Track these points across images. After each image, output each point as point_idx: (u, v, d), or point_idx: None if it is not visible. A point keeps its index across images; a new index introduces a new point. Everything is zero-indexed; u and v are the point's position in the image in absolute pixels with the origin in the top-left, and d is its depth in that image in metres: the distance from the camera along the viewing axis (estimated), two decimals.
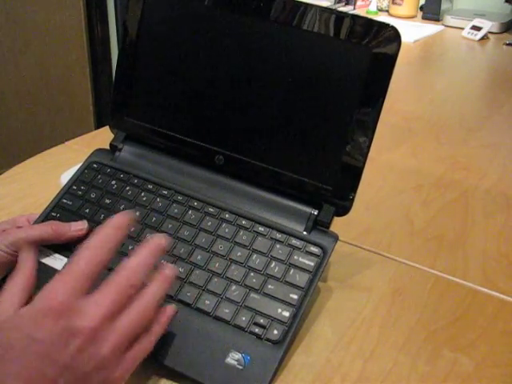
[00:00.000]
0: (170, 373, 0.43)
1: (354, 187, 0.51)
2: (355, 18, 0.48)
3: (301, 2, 0.51)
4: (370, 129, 0.49)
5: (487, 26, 1.60)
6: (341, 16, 0.49)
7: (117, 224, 0.40)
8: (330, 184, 0.51)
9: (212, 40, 0.54)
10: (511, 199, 0.74)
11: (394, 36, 0.47)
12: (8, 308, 0.38)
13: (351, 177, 0.51)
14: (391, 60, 0.48)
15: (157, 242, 0.42)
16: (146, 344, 0.40)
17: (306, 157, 0.52)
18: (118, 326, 0.37)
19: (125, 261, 0.40)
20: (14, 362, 0.34)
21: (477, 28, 1.61)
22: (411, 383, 0.45)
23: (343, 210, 0.52)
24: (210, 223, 0.52)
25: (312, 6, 0.50)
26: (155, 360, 0.43)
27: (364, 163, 0.50)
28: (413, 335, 0.50)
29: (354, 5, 1.92)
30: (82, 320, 0.36)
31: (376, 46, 0.48)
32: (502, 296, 0.55)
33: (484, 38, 1.60)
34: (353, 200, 0.51)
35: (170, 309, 0.43)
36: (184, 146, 0.57)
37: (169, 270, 0.42)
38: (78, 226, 0.51)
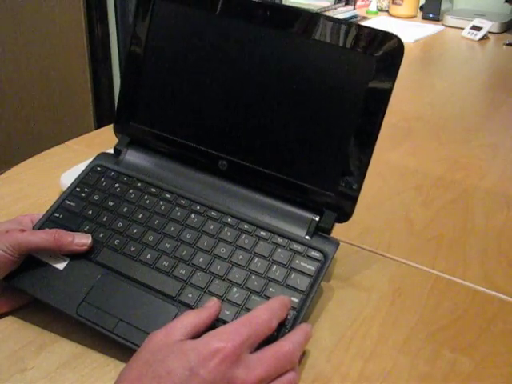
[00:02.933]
0: None
1: (355, 194, 0.51)
2: (359, 27, 0.49)
3: (306, 12, 0.51)
4: (372, 136, 0.50)
5: (487, 25, 1.60)
6: (345, 25, 0.49)
7: (288, 301, 0.45)
8: (331, 190, 0.52)
9: (217, 48, 0.54)
10: (511, 199, 0.74)
11: (397, 46, 0.48)
12: (176, 332, 0.40)
13: (353, 183, 0.51)
14: (394, 69, 0.48)
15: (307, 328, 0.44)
16: None
17: (308, 163, 0.52)
18: None
19: (292, 335, 0.43)
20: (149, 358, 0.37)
21: (477, 28, 1.61)
22: (411, 383, 0.45)
23: (344, 216, 0.52)
24: (212, 227, 0.52)
25: (317, 15, 0.51)
26: None
27: (366, 170, 0.51)
28: (413, 335, 0.50)
29: (354, 5, 1.92)
30: (244, 373, 0.38)
31: (379, 56, 0.48)
32: (502, 296, 0.56)
33: (484, 38, 1.60)
34: (354, 206, 0.51)
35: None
36: (188, 151, 0.57)
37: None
38: (82, 240, 0.49)
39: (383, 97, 0.49)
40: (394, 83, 0.49)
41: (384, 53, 0.48)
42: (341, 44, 0.50)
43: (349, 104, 0.50)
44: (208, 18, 0.54)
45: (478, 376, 0.46)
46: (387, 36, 0.48)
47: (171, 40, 0.57)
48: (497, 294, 0.56)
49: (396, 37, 0.48)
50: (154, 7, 0.57)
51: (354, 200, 0.51)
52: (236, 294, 0.47)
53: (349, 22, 0.50)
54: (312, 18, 0.50)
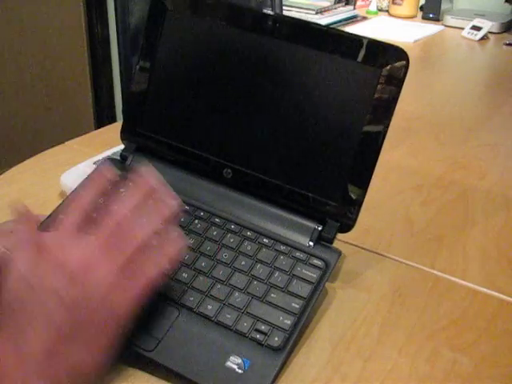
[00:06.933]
0: (168, 374, 0.43)
1: (358, 204, 0.52)
2: (366, 40, 0.50)
3: (314, 24, 0.52)
4: (376, 147, 0.50)
5: (487, 25, 1.60)
6: (352, 38, 0.50)
7: (101, 174, 0.46)
8: (334, 200, 0.52)
9: (226, 58, 0.55)
10: (511, 199, 0.74)
11: (402, 58, 0.49)
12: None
13: (356, 193, 0.51)
14: (399, 82, 0.49)
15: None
16: (145, 271, 0.41)
17: (312, 172, 0.53)
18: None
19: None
20: (11, 303, 0.37)
21: (477, 28, 1.61)
22: (411, 383, 0.45)
23: (347, 226, 0.52)
24: (215, 233, 0.52)
25: (325, 27, 0.52)
26: (155, 361, 0.43)
27: (369, 180, 0.51)
28: (413, 335, 0.50)
29: (354, 5, 1.92)
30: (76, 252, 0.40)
31: (385, 68, 0.49)
32: (501, 296, 0.56)
33: (484, 38, 1.60)
34: (356, 217, 0.52)
35: (179, 241, 0.43)
36: (193, 158, 0.57)
37: (170, 201, 0.44)
38: None
39: (387, 109, 0.50)
40: (398, 96, 0.49)
41: (390, 66, 0.49)
42: (348, 57, 0.50)
43: (354, 115, 0.51)
44: (217, 28, 0.55)
45: (478, 376, 0.46)
46: (392, 49, 0.49)
47: (180, 49, 0.57)
48: (497, 294, 0.56)
49: (401, 49, 0.49)
50: (166, 19, 0.57)
51: (356, 210, 0.52)
52: (238, 298, 0.47)
53: (357, 36, 0.50)
54: (319, 30, 0.51)
